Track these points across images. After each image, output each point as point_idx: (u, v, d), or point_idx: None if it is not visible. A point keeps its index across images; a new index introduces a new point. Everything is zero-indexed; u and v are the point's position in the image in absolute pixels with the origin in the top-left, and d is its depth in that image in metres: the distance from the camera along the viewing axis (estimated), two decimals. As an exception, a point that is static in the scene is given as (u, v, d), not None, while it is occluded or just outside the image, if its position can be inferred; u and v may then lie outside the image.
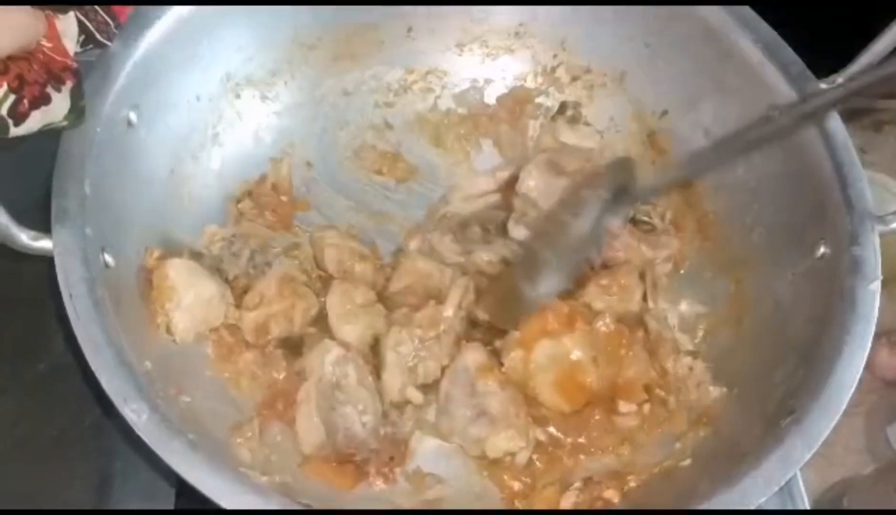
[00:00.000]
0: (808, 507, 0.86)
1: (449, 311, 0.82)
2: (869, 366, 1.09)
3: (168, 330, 0.78)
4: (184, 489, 0.78)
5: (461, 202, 0.92)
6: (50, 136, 0.73)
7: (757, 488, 0.63)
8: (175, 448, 0.61)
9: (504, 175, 0.94)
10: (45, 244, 0.68)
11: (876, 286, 0.72)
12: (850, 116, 0.81)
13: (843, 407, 0.67)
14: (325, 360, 0.77)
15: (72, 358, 0.83)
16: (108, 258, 0.71)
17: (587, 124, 0.98)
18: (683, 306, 0.89)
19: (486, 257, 0.88)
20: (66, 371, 0.84)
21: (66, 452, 0.82)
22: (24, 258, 0.79)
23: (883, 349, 1.10)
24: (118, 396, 0.62)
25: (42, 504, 0.80)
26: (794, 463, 0.65)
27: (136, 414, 0.62)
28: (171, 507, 0.79)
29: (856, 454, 1.09)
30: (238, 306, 0.82)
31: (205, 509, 0.61)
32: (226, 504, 0.59)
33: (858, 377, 0.68)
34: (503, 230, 0.90)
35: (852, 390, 0.68)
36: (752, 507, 0.62)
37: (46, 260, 0.67)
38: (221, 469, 0.61)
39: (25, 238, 0.68)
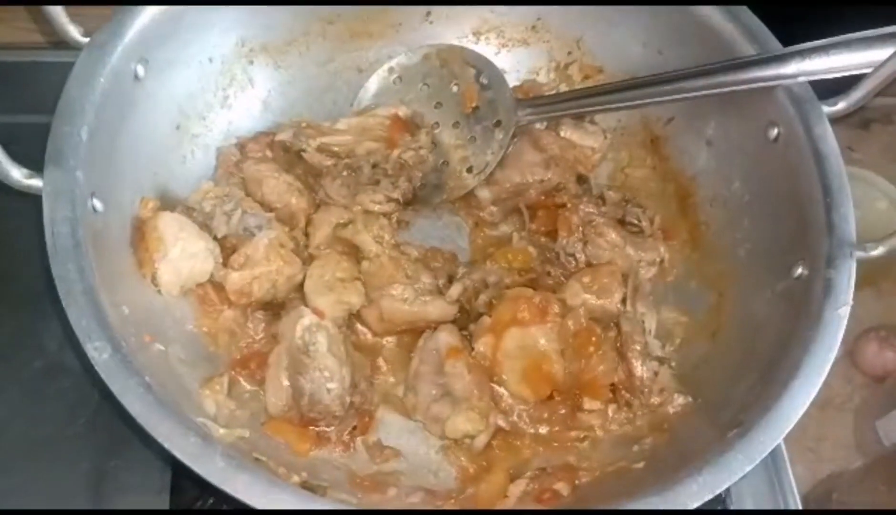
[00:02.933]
0: (798, 501, 0.87)
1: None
2: (858, 362, 1.09)
3: (153, 281, 0.80)
4: (178, 488, 0.81)
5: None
6: (56, 79, 0.76)
7: (691, 493, 0.64)
8: (130, 387, 0.63)
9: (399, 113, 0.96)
10: (36, 182, 0.71)
11: (845, 311, 0.72)
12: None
13: (791, 426, 0.67)
14: (297, 326, 0.79)
15: (67, 355, 0.87)
16: (97, 203, 0.74)
17: (593, 123, 0.98)
18: (665, 312, 0.89)
19: (371, 198, 0.90)
20: (62, 368, 0.86)
21: (60, 450, 0.84)
22: (19, 257, 0.83)
23: (872, 344, 1.09)
24: (83, 333, 0.65)
25: (36, 502, 0.81)
26: (733, 474, 0.65)
27: (97, 351, 0.64)
28: (166, 507, 0.81)
29: (845, 449, 1.09)
30: (225, 265, 0.84)
31: (200, 509, 0.63)
32: (170, 447, 0.62)
33: (811, 399, 0.68)
34: (395, 168, 0.93)
35: (802, 410, 0.68)
36: (683, 508, 0.63)
37: (42, 260, 0.69)
38: (173, 414, 0.64)
39: (18, 174, 0.71)
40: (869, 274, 1.19)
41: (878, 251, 0.75)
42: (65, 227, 0.69)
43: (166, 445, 0.62)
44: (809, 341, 0.71)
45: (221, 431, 0.72)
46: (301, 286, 0.86)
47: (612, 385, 0.82)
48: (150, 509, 0.82)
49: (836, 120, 0.82)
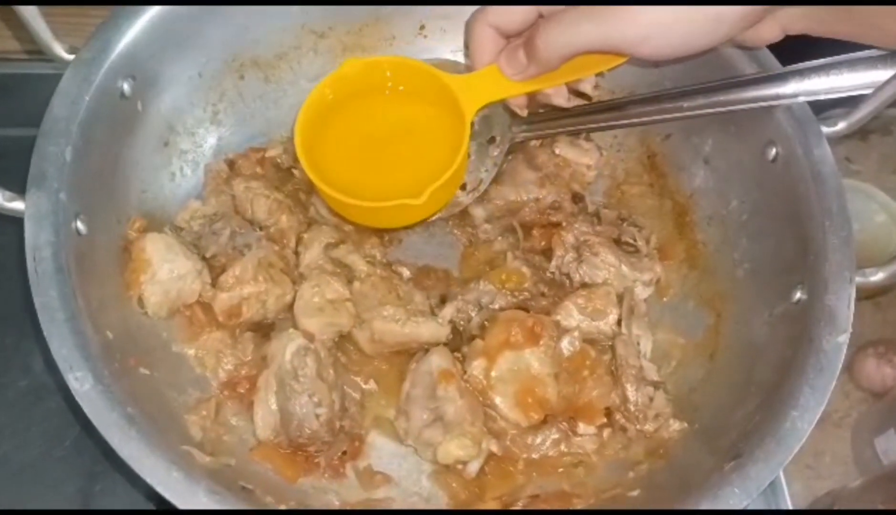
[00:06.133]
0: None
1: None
2: (856, 377, 1.08)
3: (140, 303, 0.79)
4: (164, 509, 0.78)
5: None
6: (43, 91, 0.75)
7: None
8: (112, 420, 0.62)
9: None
10: (18, 205, 0.70)
11: (844, 339, 0.71)
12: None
13: (790, 457, 0.66)
14: (287, 349, 0.78)
15: (51, 376, 0.86)
16: (81, 225, 0.73)
17: (589, 140, 0.97)
18: (661, 333, 0.87)
19: None
20: (46, 389, 0.85)
21: (45, 471, 0.83)
22: (2, 275, 0.83)
23: (870, 360, 1.07)
24: (64, 363, 0.64)
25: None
26: (731, 508, 0.64)
27: (78, 382, 0.63)
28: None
29: (843, 465, 1.08)
30: (213, 285, 0.82)
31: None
32: (153, 482, 0.60)
33: (810, 429, 0.67)
34: None
35: (802, 441, 0.66)
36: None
37: (26, 278, 0.67)
38: (156, 447, 0.62)
39: (0, 197, 0.69)
40: (867, 288, 1.17)
41: (877, 277, 0.74)
42: (47, 253, 0.68)
43: (148, 480, 0.61)
44: (809, 369, 0.70)
45: (207, 459, 0.71)
46: (291, 306, 0.84)
47: (608, 409, 0.81)
48: (141, 509, 0.81)
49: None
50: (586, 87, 0.86)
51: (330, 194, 0.77)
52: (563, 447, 0.80)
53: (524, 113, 0.84)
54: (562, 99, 0.82)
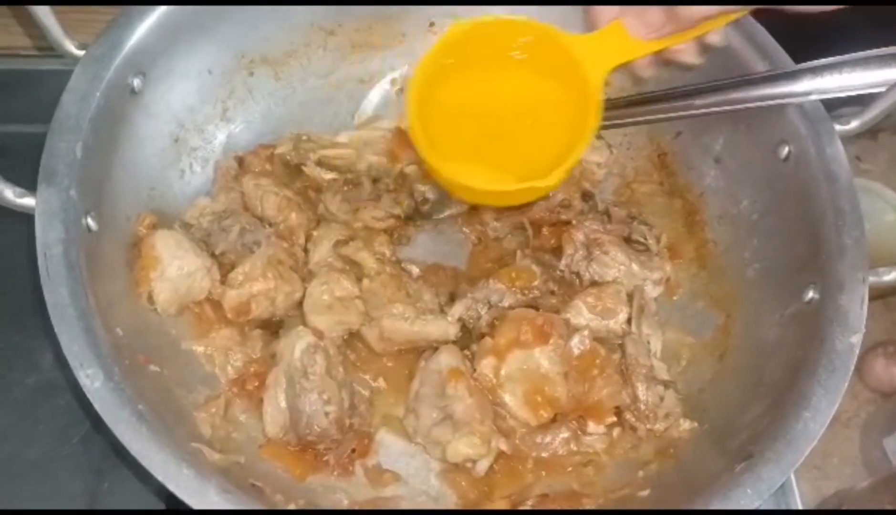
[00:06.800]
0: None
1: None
2: (864, 378, 1.07)
3: (150, 300, 0.79)
4: (172, 506, 0.79)
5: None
6: (53, 88, 0.75)
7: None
8: (123, 417, 0.62)
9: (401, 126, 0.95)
10: (28, 202, 0.69)
11: (857, 339, 0.70)
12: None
13: (802, 458, 0.66)
14: (296, 347, 0.78)
15: (60, 373, 0.85)
16: (92, 222, 0.72)
17: (599, 138, 0.96)
18: (670, 333, 0.87)
19: (372, 214, 0.89)
20: (54, 386, 0.85)
21: (53, 469, 0.82)
22: (11, 272, 0.82)
23: (879, 360, 1.07)
24: (75, 360, 0.64)
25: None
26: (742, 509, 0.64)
27: (89, 379, 0.63)
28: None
29: (852, 466, 1.08)
30: (223, 282, 0.82)
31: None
32: (164, 480, 0.60)
33: (823, 430, 0.67)
34: (397, 183, 0.92)
35: (814, 443, 0.66)
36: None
37: (35, 275, 0.67)
38: (166, 444, 0.62)
39: (10, 194, 0.69)
40: (877, 288, 1.17)
41: (891, 276, 0.74)
42: (58, 250, 0.67)
43: (159, 477, 0.61)
44: (821, 369, 0.69)
45: (217, 456, 0.71)
46: (300, 303, 0.84)
47: (617, 408, 0.80)
48: (148, 508, 0.80)
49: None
50: (714, 39, 0.77)
51: (450, 179, 0.75)
52: (572, 446, 0.80)
53: (647, 73, 0.78)
54: (691, 55, 0.77)
